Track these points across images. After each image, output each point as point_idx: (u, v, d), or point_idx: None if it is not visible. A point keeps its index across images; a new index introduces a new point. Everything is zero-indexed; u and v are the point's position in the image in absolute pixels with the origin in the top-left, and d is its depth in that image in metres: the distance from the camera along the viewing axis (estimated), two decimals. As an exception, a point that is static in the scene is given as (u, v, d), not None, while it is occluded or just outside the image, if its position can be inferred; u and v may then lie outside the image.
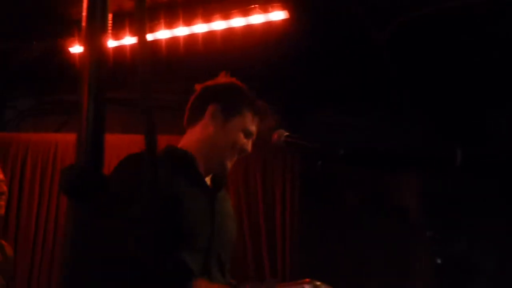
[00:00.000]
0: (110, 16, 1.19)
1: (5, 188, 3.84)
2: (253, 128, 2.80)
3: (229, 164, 2.78)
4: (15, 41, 5.54)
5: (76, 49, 5.51)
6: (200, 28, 5.18)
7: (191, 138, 2.81)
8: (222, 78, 2.88)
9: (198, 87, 2.88)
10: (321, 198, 6.32)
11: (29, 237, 5.83)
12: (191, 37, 5.24)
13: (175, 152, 2.74)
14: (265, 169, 6.03)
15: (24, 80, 6.16)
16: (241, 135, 2.77)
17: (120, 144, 5.89)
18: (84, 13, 1.14)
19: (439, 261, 6.45)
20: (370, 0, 5.02)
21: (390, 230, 6.28)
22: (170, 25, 5.17)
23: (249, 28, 5.13)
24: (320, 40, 5.49)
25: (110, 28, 1.17)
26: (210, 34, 5.21)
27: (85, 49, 1.11)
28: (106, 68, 1.13)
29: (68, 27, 5.31)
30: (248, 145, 2.80)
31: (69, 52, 5.54)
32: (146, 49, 1.21)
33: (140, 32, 1.23)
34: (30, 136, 6.12)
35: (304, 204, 6.17)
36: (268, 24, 5.11)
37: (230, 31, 5.15)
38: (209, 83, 2.87)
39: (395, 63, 5.70)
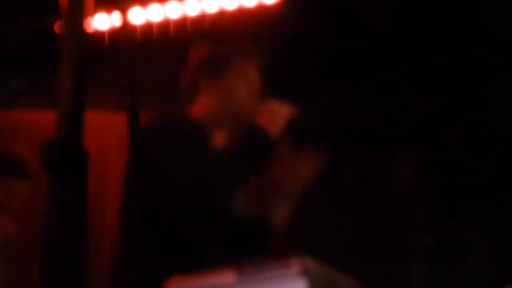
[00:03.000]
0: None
1: None
2: (249, 72, 2.89)
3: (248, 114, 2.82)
4: (5, 18, 5.51)
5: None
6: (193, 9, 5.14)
7: (197, 110, 2.85)
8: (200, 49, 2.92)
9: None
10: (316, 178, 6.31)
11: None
12: (181, 18, 5.19)
13: (170, 120, 2.84)
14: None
15: (16, 60, 6.13)
16: (241, 86, 2.83)
17: (115, 122, 5.87)
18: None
19: (431, 241, 6.47)
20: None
21: (384, 209, 6.29)
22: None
23: (241, 10, 5.09)
24: (314, 20, 5.47)
25: (91, 5, 1.17)
26: (201, 16, 5.16)
27: (64, 26, 1.11)
28: (87, 44, 1.13)
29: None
30: (253, 89, 2.88)
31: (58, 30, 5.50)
32: (127, 29, 1.21)
33: (122, 11, 1.24)
34: (24, 115, 6.09)
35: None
36: (261, 7, 5.08)
37: (221, 13, 5.12)
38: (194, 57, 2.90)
39: (389, 38, 5.69)
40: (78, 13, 1.14)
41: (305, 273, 1.94)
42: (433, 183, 6.51)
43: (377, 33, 5.55)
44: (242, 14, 5.09)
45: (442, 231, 6.46)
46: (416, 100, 6.31)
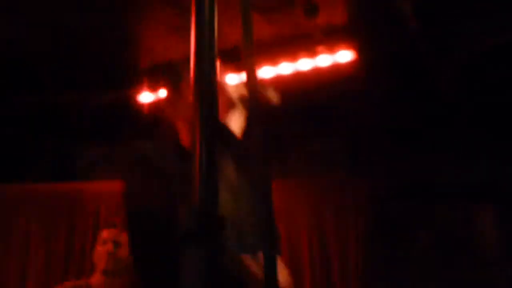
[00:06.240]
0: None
1: None
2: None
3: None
4: (85, 91, 5.62)
5: (145, 97, 5.55)
6: (267, 72, 5.20)
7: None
8: None
9: None
10: (394, 237, 6.22)
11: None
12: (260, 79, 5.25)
13: None
14: (338, 209, 5.99)
15: (95, 129, 6.21)
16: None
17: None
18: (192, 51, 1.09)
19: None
20: (436, 35, 4.99)
21: (466, 267, 6.13)
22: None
23: (316, 70, 5.13)
24: (387, 77, 5.46)
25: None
26: (277, 78, 5.22)
27: (194, 88, 1.06)
28: (217, 105, 1.08)
29: (136, 76, 5.36)
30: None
31: (138, 100, 5.59)
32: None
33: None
34: (102, 185, 6.08)
35: (376, 244, 6.08)
36: (335, 66, 5.11)
37: (298, 73, 5.16)
38: None
39: (462, 95, 5.63)
40: (207, 72, 1.09)
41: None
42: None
43: (453, 91, 5.50)
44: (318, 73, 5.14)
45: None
46: (493, 152, 6.19)
